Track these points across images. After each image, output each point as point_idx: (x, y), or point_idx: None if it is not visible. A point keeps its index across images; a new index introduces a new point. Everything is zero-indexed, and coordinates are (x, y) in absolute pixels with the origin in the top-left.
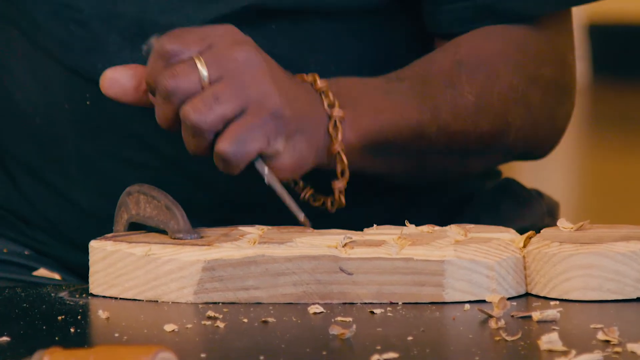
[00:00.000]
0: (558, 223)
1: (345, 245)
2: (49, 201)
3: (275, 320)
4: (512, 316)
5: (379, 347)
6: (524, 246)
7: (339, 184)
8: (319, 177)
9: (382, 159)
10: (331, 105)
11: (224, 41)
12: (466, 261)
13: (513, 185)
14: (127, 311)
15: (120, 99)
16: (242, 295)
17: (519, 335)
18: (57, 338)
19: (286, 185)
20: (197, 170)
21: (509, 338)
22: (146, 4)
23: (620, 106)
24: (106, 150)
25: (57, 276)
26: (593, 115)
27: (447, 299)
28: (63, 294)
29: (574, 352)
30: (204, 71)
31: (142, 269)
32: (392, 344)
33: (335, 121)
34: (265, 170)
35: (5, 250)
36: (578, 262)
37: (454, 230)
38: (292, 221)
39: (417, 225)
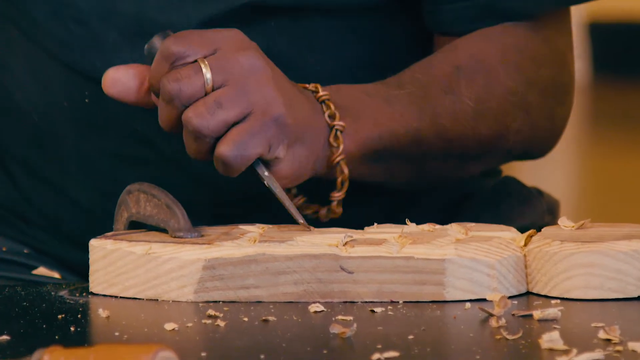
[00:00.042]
0: (559, 221)
1: (345, 244)
2: (49, 200)
3: (275, 319)
4: (513, 315)
5: (379, 346)
6: (525, 245)
7: (338, 195)
8: (310, 185)
9: (381, 166)
10: (332, 116)
11: (229, 45)
12: (467, 260)
13: (513, 184)
14: (127, 310)
15: (122, 98)
16: (243, 294)
17: (519, 334)
18: (57, 337)
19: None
20: (198, 169)
21: (509, 337)
22: (145, 2)
23: (621, 104)
24: (106, 149)
25: (56, 275)
26: (594, 113)
27: (448, 297)
28: (63, 293)
29: (575, 350)
30: (208, 75)
31: (142, 267)
32: (392, 343)
33: (336, 131)
34: (265, 173)
35: (4, 249)
36: (579, 260)
37: (454, 229)
38: (293, 220)
39: (417, 223)
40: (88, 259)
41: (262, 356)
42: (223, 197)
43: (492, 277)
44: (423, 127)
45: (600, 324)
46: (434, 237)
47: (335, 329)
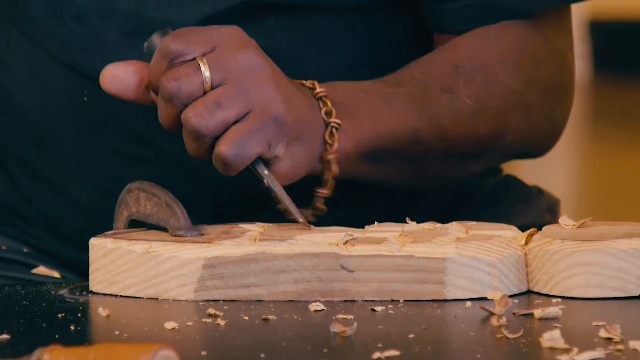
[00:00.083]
0: (560, 220)
1: (346, 242)
2: (48, 199)
3: (276, 317)
4: (514, 314)
5: (380, 345)
6: (526, 243)
7: (323, 191)
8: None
9: (378, 166)
10: (329, 113)
11: (229, 43)
12: (468, 258)
13: (513, 182)
14: (127, 309)
15: (121, 95)
16: (243, 292)
17: (520, 333)
18: (57, 336)
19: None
20: (198, 168)
21: (510, 335)
22: (145, 1)
23: (621, 103)
24: (105, 148)
25: (56, 274)
26: (594, 112)
27: (449, 296)
28: (63, 292)
29: (575, 349)
30: (207, 74)
31: (142, 266)
32: (393, 342)
33: (332, 129)
34: (265, 172)
35: (4, 248)
36: (580, 259)
37: (455, 228)
38: (292, 219)
39: (418, 222)
40: (88, 257)
41: (262, 355)
42: (223, 196)
43: (492, 276)
44: (422, 126)
45: (601, 323)
46: (434, 236)
47: (336, 327)
